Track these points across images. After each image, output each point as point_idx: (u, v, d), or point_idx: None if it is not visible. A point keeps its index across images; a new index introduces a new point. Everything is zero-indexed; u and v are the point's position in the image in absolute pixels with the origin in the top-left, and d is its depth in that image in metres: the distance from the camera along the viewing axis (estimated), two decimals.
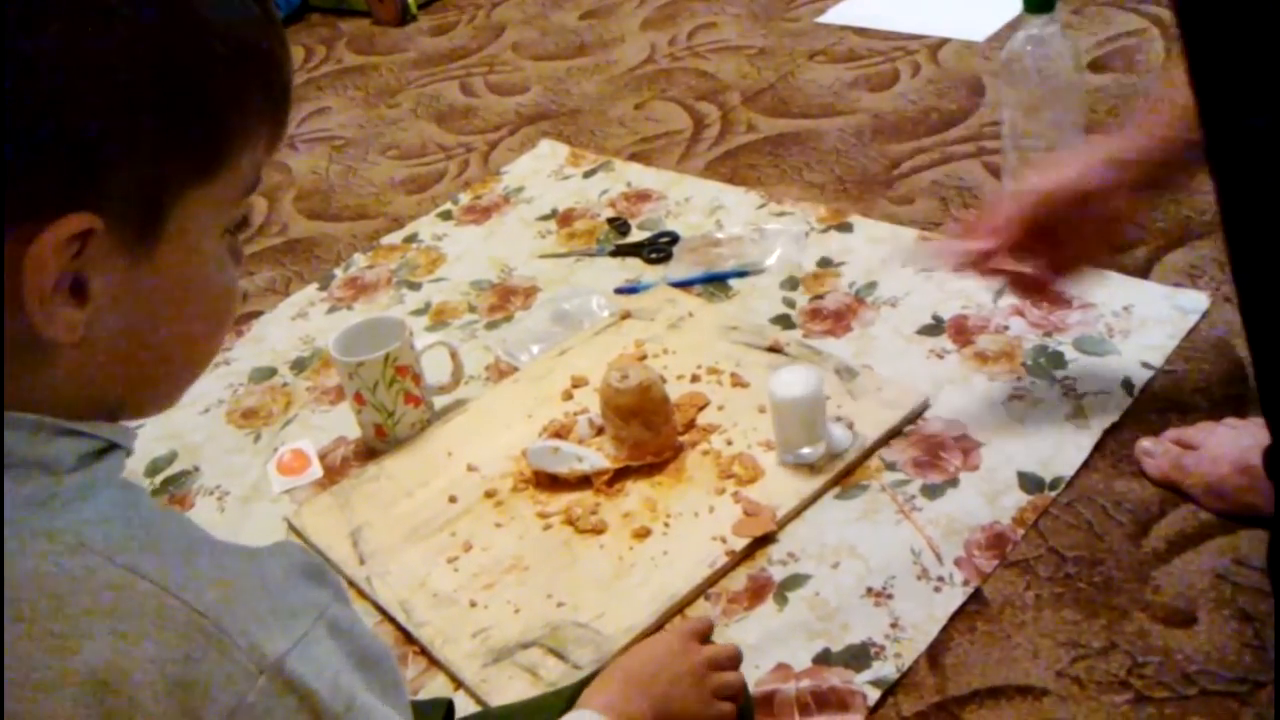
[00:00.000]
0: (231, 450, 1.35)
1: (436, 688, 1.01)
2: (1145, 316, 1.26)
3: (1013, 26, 1.74)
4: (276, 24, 0.54)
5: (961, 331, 1.29)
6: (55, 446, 0.49)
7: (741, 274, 1.47)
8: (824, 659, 0.97)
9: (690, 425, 1.21)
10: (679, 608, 1.03)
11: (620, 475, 1.16)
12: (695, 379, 1.28)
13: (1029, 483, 1.09)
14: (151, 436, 1.39)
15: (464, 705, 0.99)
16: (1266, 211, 0.72)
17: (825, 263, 1.45)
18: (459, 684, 1.00)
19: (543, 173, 1.81)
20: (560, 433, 1.22)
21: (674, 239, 1.56)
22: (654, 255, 1.54)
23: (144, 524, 0.50)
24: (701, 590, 1.04)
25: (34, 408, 0.48)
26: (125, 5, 0.46)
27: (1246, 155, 0.72)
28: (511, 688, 0.97)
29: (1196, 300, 1.26)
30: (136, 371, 0.53)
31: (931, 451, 1.15)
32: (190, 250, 0.51)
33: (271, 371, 1.48)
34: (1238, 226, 0.75)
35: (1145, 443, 1.08)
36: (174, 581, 0.48)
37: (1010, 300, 1.32)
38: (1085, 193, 1.04)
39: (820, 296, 1.40)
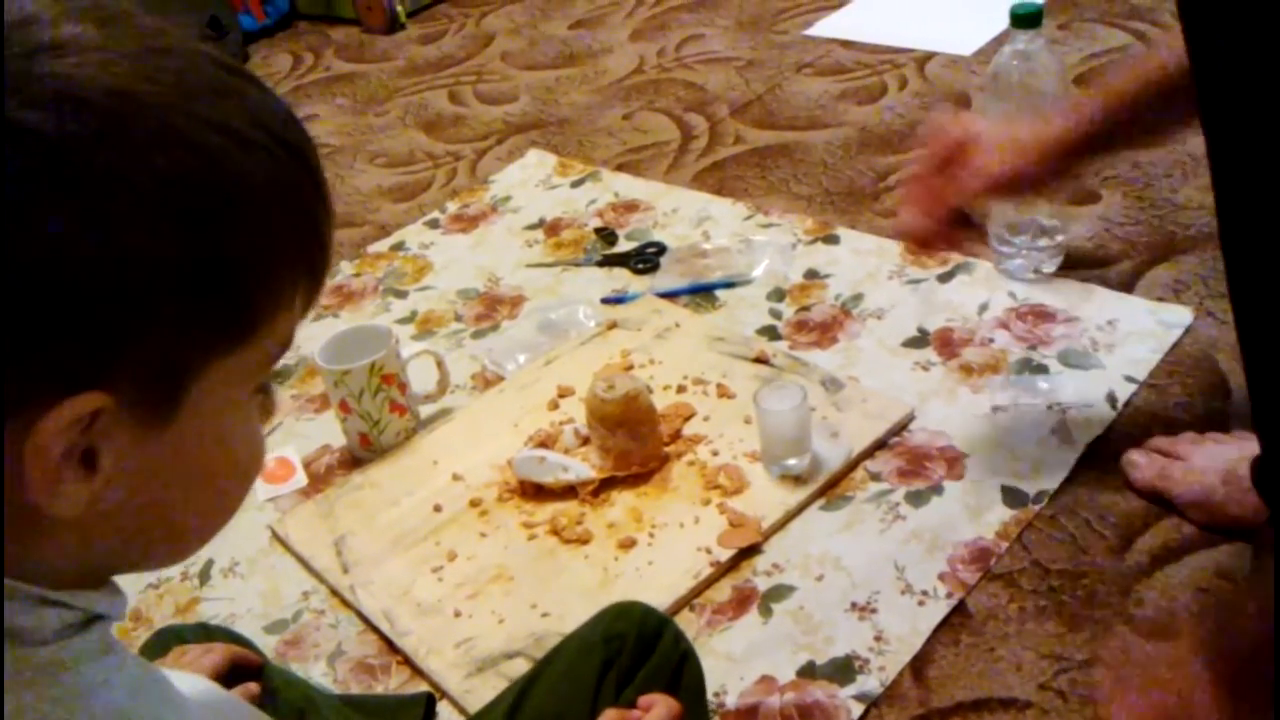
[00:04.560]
0: None
1: None
2: (1129, 331, 1.27)
3: (999, 41, 1.75)
4: (320, 185, 0.48)
5: (947, 344, 1.30)
6: (36, 617, 0.44)
7: (728, 285, 1.47)
8: (808, 672, 0.97)
9: (676, 436, 1.21)
10: None
11: (606, 485, 1.16)
12: (681, 389, 1.28)
13: (1013, 497, 1.09)
14: None
15: (446, 715, 0.98)
16: (1266, 228, 0.72)
17: (812, 274, 1.46)
18: (442, 694, 1.00)
19: (530, 182, 1.82)
20: (546, 442, 1.22)
21: (661, 249, 1.56)
22: (641, 266, 1.54)
23: (115, 708, 0.45)
24: (686, 601, 1.04)
25: (26, 575, 0.44)
26: (148, 173, 0.41)
27: (1250, 171, 0.72)
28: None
29: (1180, 315, 1.27)
30: (144, 539, 0.49)
31: (916, 463, 1.15)
32: (212, 419, 0.47)
33: None
34: (1236, 242, 0.76)
35: (1132, 453, 1.09)
36: None
37: (996, 314, 1.32)
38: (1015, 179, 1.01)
39: (806, 308, 1.40)
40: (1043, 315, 1.31)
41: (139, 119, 0.42)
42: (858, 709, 0.93)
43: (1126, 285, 1.34)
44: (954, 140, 1.02)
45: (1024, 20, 1.25)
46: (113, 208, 0.41)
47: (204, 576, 1.18)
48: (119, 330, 0.42)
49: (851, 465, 1.15)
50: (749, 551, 1.08)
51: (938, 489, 1.12)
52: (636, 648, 0.83)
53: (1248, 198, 0.73)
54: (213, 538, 0.52)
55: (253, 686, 0.84)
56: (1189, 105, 0.94)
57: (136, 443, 0.44)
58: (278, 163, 0.45)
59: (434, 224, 1.75)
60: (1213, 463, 1.03)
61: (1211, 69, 0.72)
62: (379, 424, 1.26)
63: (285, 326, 0.48)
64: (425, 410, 1.32)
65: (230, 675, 0.85)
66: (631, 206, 1.69)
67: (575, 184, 1.78)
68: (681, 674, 0.83)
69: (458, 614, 1.06)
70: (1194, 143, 1.57)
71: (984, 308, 1.34)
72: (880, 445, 1.17)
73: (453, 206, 1.79)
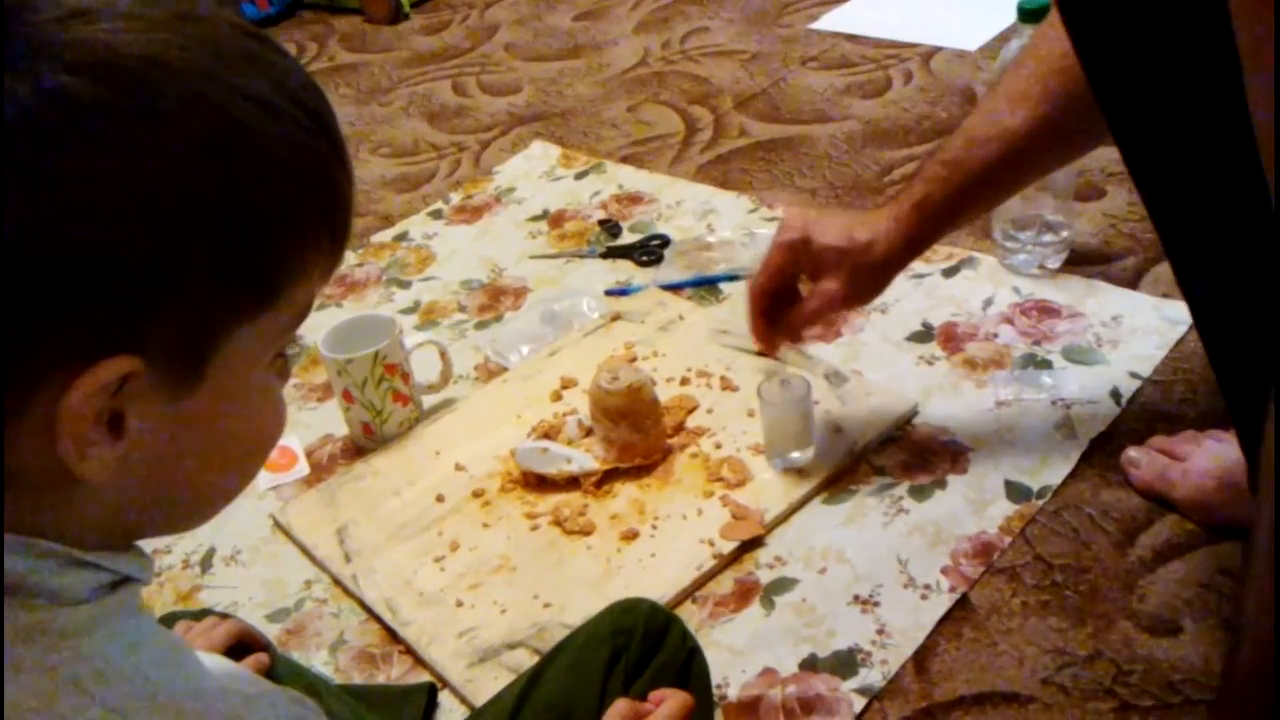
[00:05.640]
0: None
1: None
2: (1134, 327, 1.26)
3: (1005, 36, 1.75)
4: (342, 152, 0.49)
5: (951, 338, 1.30)
6: (68, 578, 0.45)
7: (732, 278, 1.47)
8: (810, 664, 0.97)
9: (679, 428, 1.21)
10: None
11: (608, 477, 1.16)
12: (685, 382, 1.28)
13: (1016, 491, 1.09)
14: None
15: (448, 705, 0.99)
16: (1203, 234, 0.75)
17: None
18: (444, 684, 1.00)
19: (534, 173, 1.81)
20: (549, 433, 1.22)
21: (665, 242, 1.56)
22: (645, 258, 1.54)
23: (143, 669, 0.46)
24: (688, 593, 1.04)
25: (54, 536, 0.45)
26: (181, 139, 0.42)
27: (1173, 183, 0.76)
28: (497, 688, 0.96)
29: (1185, 311, 1.26)
30: (168, 502, 0.50)
31: (920, 457, 1.15)
32: (236, 383, 0.48)
33: None
34: (1179, 253, 0.78)
35: (1131, 452, 1.09)
36: None
37: (1000, 309, 1.32)
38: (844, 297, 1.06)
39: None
40: (1047, 311, 1.31)
41: (170, 85, 0.42)
42: (859, 702, 0.93)
43: (1131, 281, 1.34)
44: (793, 257, 1.06)
45: (1031, 14, 1.24)
46: (145, 173, 0.41)
47: (205, 564, 1.18)
48: (151, 293, 0.42)
49: (855, 459, 1.15)
50: (751, 544, 1.08)
51: (941, 483, 1.11)
52: (644, 642, 0.83)
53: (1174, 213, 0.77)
54: (235, 498, 0.53)
55: (264, 657, 0.84)
56: (1020, 176, 1.06)
57: (163, 407, 0.45)
58: (302, 130, 0.46)
59: (437, 214, 1.75)
60: (1211, 464, 1.03)
61: (1109, 80, 0.76)
62: (382, 413, 1.25)
63: (306, 292, 0.49)
64: (428, 400, 1.32)
65: (237, 651, 0.85)
66: (635, 199, 1.69)
67: (579, 176, 1.78)
68: (690, 670, 0.84)
69: (460, 604, 1.06)
70: None
71: (988, 303, 1.34)
72: (884, 439, 1.17)
73: (456, 197, 1.78)
